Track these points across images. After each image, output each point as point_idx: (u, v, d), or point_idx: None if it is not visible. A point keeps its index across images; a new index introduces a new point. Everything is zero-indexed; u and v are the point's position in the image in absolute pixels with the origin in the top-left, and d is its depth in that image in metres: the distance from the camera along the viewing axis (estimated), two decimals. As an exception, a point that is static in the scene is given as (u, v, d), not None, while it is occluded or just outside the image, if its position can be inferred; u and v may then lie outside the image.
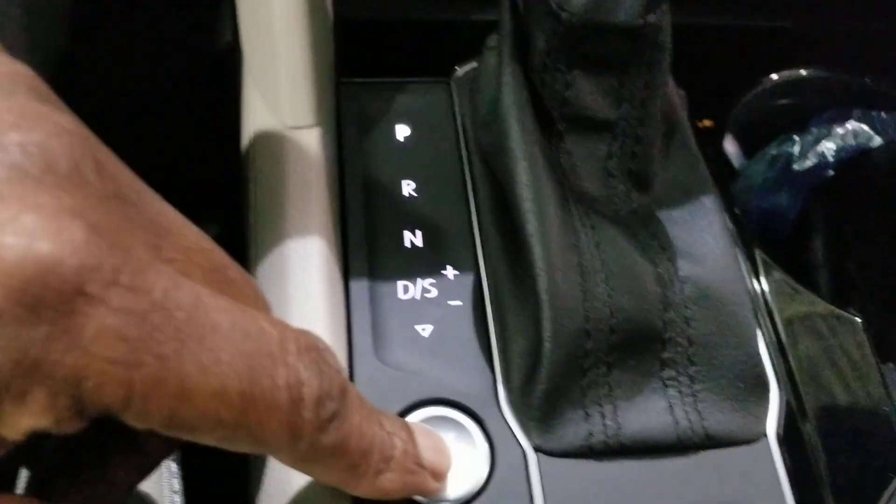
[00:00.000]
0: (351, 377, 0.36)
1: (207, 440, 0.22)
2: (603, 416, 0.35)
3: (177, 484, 0.40)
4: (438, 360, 0.37)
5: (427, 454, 0.30)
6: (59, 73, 0.45)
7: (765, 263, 0.41)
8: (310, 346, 0.24)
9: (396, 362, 0.37)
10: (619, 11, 0.33)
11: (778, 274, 0.41)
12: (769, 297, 0.40)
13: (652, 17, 0.34)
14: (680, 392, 0.35)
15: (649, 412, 0.35)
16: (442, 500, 0.33)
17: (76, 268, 0.18)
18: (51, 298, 0.18)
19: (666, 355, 0.35)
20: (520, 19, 0.38)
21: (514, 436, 0.35)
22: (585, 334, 0.34)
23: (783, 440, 0.36)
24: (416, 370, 0.36)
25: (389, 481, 0.28)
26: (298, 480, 0.33)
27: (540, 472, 0.34)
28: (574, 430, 0.34)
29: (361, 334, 0.37)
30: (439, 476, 0.31)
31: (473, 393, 0.36)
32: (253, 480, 0.35)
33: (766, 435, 0.36)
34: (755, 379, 0.36)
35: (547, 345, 0.34)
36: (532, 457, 0.35)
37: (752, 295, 0.40)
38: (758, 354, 0.36)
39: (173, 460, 0.40)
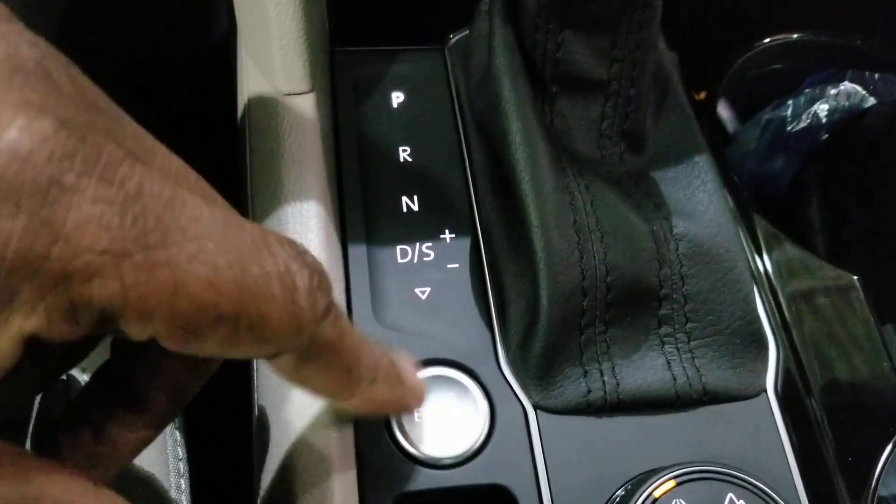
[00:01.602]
0: None
1: (213, 346, 0.22)
2: (601, 373, 0.35)
3: (181, 452, 0.40)
4: (437, 321, 0.37)
5: (407, 374, 0.30)
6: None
7: (761, 225, 0.41)
8: (291, 240, 0.24)
9: (396, 324, 0.37)
10: None
11: (775, 234, 0.41)
12: (766, 258, 0.40)
13: None
14: (677, 348, 0.35)
15: (647, 369, 0.35)
16: (444, 458, 0.34)
17: (47, 156, 0.18)
18: (25, 188, 0.18)
19: (662, 312, 0.35)
20: None
21: (514, 393, 0.35)
22: (582, 292, 0.34)
23: (781, 395, 0.36)
24: (416, 331, 0.37)
25: (381, 392, 0.28)
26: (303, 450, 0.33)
27: (539, 429, 0.34)
28: (573, 387, 0.35)
29: (360, 297, 0.37)
30: (418, 395, 0.31)
31: (473, 352, 0.36)
32: (257, 464, 0.35)
33: (765, 390, 0.36)
34: (752, 335, 0.36)
35: (544, 302, 0.34)
36: (532, 414, 0.35)
37: (749, 254, 0.40)
38: (754, 310, 0.36)
39: (177, 428, 0.41)
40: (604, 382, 0.35)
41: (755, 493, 0.31)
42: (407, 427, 0.34)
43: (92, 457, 0.27)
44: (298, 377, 0.26)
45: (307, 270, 0.23)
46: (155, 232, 0.20)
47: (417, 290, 0.38)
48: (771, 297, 0.39)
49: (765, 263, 0.40)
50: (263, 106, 0.41)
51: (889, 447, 0.36)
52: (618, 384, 0.35)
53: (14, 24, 0.21)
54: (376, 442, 0.34)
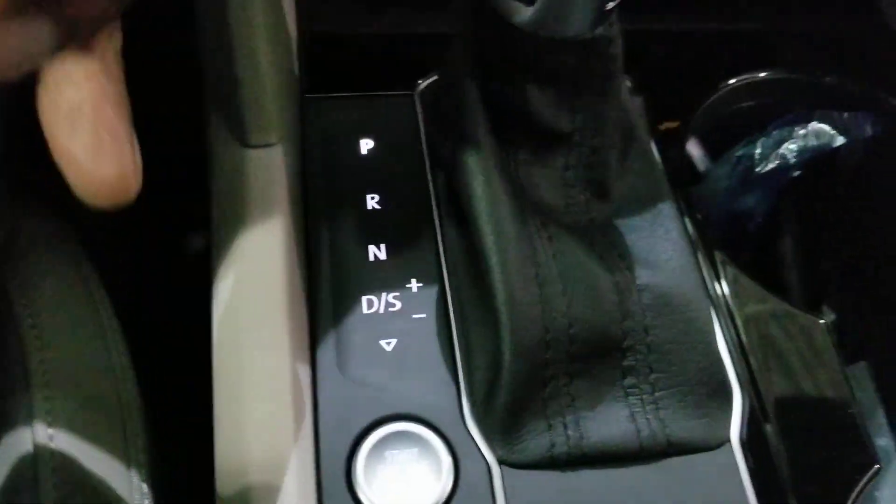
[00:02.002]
0: (315, 394, 0.36)
1: None
2: (565, 426, 0.35)
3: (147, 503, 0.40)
4: (402, 374, 0.37)
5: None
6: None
7: (725, 267, 0.41)
8: None
9: (360, 378, 0.37)
10: (568, 26, 0.33)
11: (739, 277, 0.41)
12: (730, 301, 0.40)
13: (601, 31, 0.34)
14: (641, 400, 0.35)
15: (611, 421, 0.35)
16: (407, 515, 0.33)
17: None
18: None
19: (626, 364, 0.35)
20: (475, 34, 0.38)
21: (478, 449, 0.35)
22: (545, 345, 0.34)
23: (747, 445, 0.36)
24: (380, 385, 0.37)
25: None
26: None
27: (504, 484, 0.34)
28: (537, 441, 0.35)
29: (325, 350, 0.37)
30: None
31: (437, 407, 0.36)
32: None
33: (729, 440, 0.36)
34: (717, 384, 0.36)
35: (507, 357, 0.34)
36: (496, 469, 0.35)
37: (714, 299, 0.40)
38: (719, 360, 0.36)
39: (143, 481, 0.40)
40: (568, 436, 0.35)
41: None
42: (369, 483, 0.34)
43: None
44: None
45: None
46: None
47: (383, 342, 0.38)
48: (735, 343, 0.39)
49: (728, 306, 0.40)
50: (229, 158, 0.41)
51: (854, 495, 0.36)
52: (581, 437, 0.35)
53: None
54: (337, 497, 0.34)
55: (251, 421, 0.34)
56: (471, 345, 0.37)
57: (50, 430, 0.39)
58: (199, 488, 0.43)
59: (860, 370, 0.45)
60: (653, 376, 0.36)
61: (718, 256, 0.41)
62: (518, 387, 0.34)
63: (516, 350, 0.34)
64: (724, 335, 0.39)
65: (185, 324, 0.51)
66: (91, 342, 0.43)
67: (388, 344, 0.38)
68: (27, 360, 0.41)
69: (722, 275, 0.41)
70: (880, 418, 0.43)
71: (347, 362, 0.37)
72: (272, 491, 0.33)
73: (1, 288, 0.43)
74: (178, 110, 0.55)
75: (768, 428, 0.37)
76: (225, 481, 0.34)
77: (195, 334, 0.46)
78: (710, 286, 0.40)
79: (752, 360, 0.38)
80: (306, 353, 0.37)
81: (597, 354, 0.35)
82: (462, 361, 0.37)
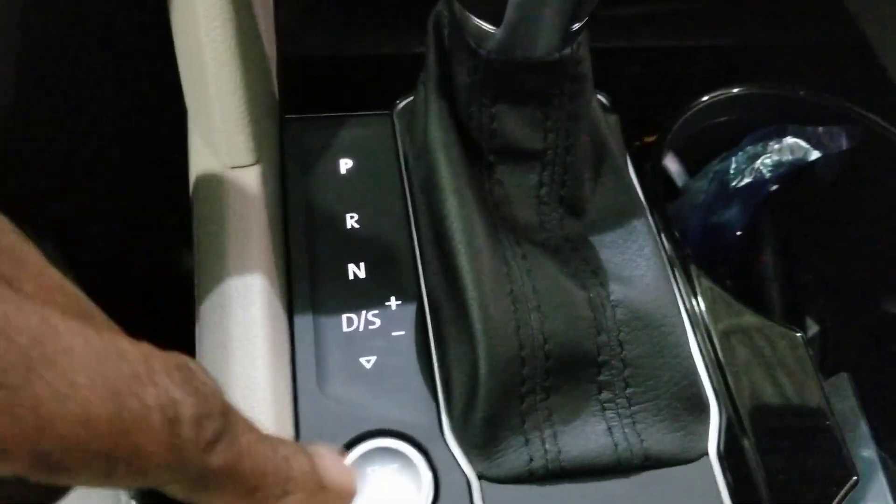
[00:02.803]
0: (295, 412, 0.37)
1: (87, 479, 0.20)
2: (543, 441, 0.35)
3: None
4: (382, 391, 0.37)
5: (330, 474, 0.29)
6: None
7: (701, 281, 0.41)
8: (180, 364, 0.22)
9: (340, 395, 0.37)
10: (534, 47, 0.34)
11: (715, 291, 0.41)
12: (705, 315, 0.40)
13: (568, 51, 0.35)
14: (618, 414, 0.36)
15: (588, 435, 0.35)
16: (386, 532, 0.34)
17: None
18: None
19: (602, 378, 0.36)
20: (444, 55, 0.38)
21: (458, 464, 0.35)
22: (521, 361, 0.35)
23: (724, 458, 0.37)
24: (360, 402, 0.37)
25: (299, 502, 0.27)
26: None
27: (483, 498, 0.35)
28: (515, 456, 0.35)
29: (305, 368, 0.37)
30: (347, 496, 0.31)
31: (417, 423, 0.36)
32: None
33: (707, 453, 0.36)
34: (692, 398, 0.36)
35: (483, 372, 0.34)
36: (475, 484, 0.35)
37: (689, 313, 0.40)
38: (694, 373, 0.37)
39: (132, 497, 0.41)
40: (545, 450, 0.35)
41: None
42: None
43: None
44: (197, 501, 0.24)
45: (193, 398, 0.22)
46: (19, 369, 0.18)
47: (362, 360, 0.38)
48: (712, 357, 0.39)
49: (704, 320, 0.40)
50: (209, 179, 0.41)
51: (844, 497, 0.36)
52: (559, 451, 0.35)
53: None
54: None
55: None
56: (449, 361, 0.37)
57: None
58: None
59: (841, 381, 0.45)
60: (629, 390, 0.36)
61: (694, 271, 0.41)
62: (495, 402, 0.35)
63: (492, 366, 0.34)
64: (701, 349, 0.39)
65: (167, 341, 0.52)
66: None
67: (368, 361, 0.38)
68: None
69: (698, 289, 0.41)
70: (862, 429, 0.43)
71: (327, 379, 0.37)
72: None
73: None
74: (163, 132, 0.56)
75: (745, 441, 0.37)
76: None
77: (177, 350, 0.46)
78: (685, 301, 0.41)
79: (728, 374, 0.38)
80: (287, 371, 0.37)
81: (572, 369, 0.35)
82: (440, 377, 0.37)
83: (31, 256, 0.22)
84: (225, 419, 0.23)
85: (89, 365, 0.20)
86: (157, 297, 0.59)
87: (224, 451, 0.23)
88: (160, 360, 0.22)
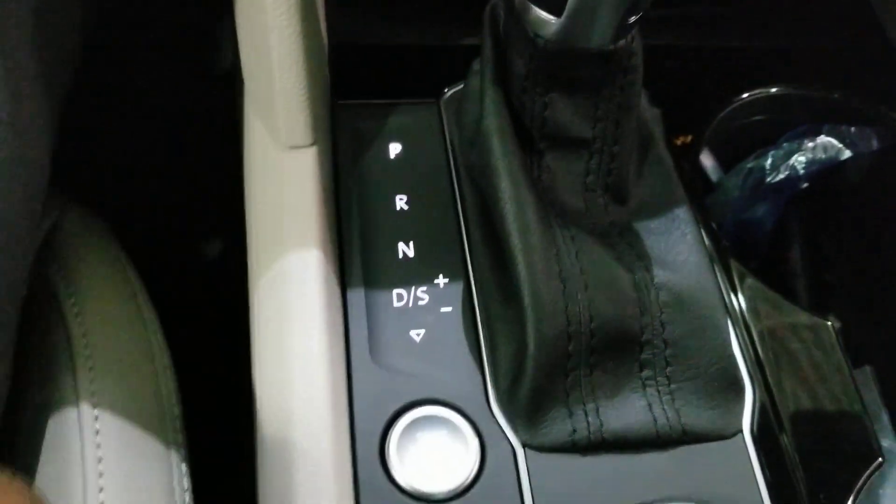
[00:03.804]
0: (349, 381, 0.38)
1: None
2: (586, 414, 0.37)
3: (186, 482, 0.42)
4: (431, 362, 0.39)
5: None
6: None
7: (739, 271, 0.43)
8: None
9: (392, 365, 0.39)
10: (591, 37, 0.36)
11: (752, 281, 0.43)
12: (743, 303, 0.42)
13: (623, 43, 0.36)
14: (658, 391, 0.37)
15: (629, 410, 0.37)
16: (437, 493, 0.35)
17: None
18: None
19: (644, 357, 0.37)
20: (500, 45, 0.40)
21: (504, 433, 0.37)
22: (567, 338, 0.36)
23: (757, 436, 0.38)
24: (411, 373, 0.39)
25: None
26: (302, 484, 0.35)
27: (528, 466, 0.36)
28: (559, 427, 0.37)
29: (358, 340, 0.39)
30: None
31: (464, 393, 0.38)
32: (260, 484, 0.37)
33: (741, 431, 0.38)
34: (729, 378, 0.38)
35: (531, 348, 0.36)
36: (520, 452, 0.37)
37: (727, 301, 0.42)
38: (731, 355, 0.38)
39: (182, 461, 0.42)
40: (588, 423, 0.37)
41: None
42: (401, 462, 0.36)
43: None
44: None
45: None
46: None
47: (412, 333, 0.40)
48: (747, 342, 0.41)
49: (741, 308, 0.42)
50: (266, 158, 0.43)
51: (859, 485, 0.37)
52: (601, 424, 0.37)
53: None
54: (372, 476, 0.36)
55: (291, 406, 0.36)
56: (495, 337, 0.39)
57: (95, 411, 0.41)
58: (233, 470, 0.45)
59: (864, 375, 0.47)
60: (669, 369, 0.37)
61: (733, 262, 0.43)
62: (541, 376, 0.36)
63: (540, 342, 0.36)
64: (737, 333, 0.41)
65: (221, 316, 0.53)
66: (132, 330, 0.46)
67: (418, 335, 0.40)
68: (72, 345, 0.43)
69: (735, 278, 0.43)
70: (884, 420, 0.45)
71: (379, 352, 0.39)
72: (311, 471, 0.35)
73: (43, 274, 0.45)
74: (213, 120, 0.58)
75: (778, 421, 0.38)
76: (266, 461, 0.36)
77: (230, 325, 0.48)
78: (724, 289, 0.42)
79: (762, 357, 0.40)
80: (341, 343, 0.39)
81: (616, 347, 0.37)
82: (487, 352, 0.39)
83: None
84: None
85: None
86: (209, 276, 0.61)
87: None
88: None
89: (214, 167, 0.57)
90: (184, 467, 0.41)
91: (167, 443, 0.43)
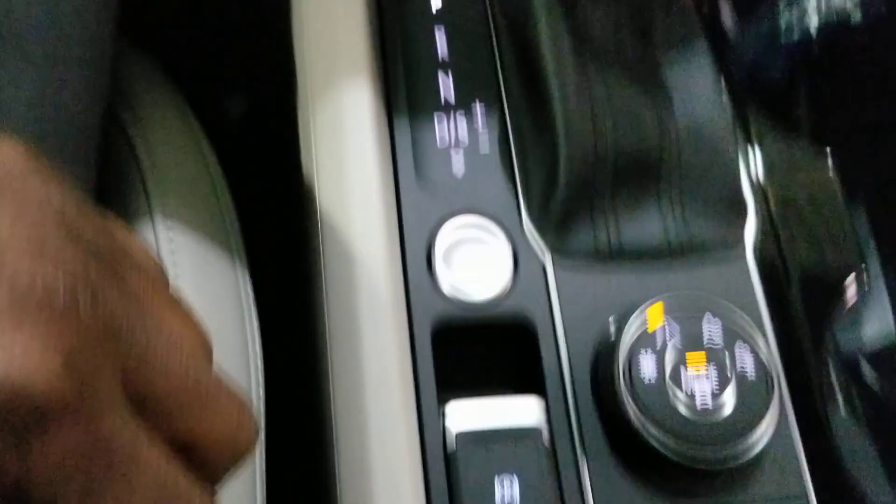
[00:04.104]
0: (397, 194, 0.43)
1: None
2: (607, 227, 0.42)
3: (251, 298, 0.47)
4: (470, 180, 0.44)
5: None
6: None
7: (750, 109, 0.47)
8: None
9: (434, 181, 0.44)
10: None
11: (760, 117, 0.47)
12: (753, 136, 0.47)
13: None
14: (672, 209, 0.42)
15: (646, 224, 0.42)
16: (475, 296, 0.41)
17: (43, 399, 0.21)
18: (15, 419, 0.21)
19: (661, 178, 0.42)
20: None
21: (535, 242, 0.42)
22: (594, 159, 0.41)
23: (757, 251, 0.43)
24: (451, 188, 0.43)
25: None
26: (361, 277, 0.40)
27: (555, 271, 0.42)
28: (583, 238, 0.42)
29: (404, 158, 0.44)
30: None
31: (500, 207, 0.43)
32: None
33: (743, 243, 0.43)
34: (735, 199, 0.43)
35: (562, 169, 0.41)
36: (549, 259, 0.42)
37: (737, 135, 0.47)
38: (738, 180, 0.43)
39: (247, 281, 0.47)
40: (609, 234, 0.42)
41: (729, 321, 0.39)
42: (447, 264, 0.41)
43: None
44: None
45: None
46: (101, 481, 0.22)
47: (453, 157, 0.45)
48: (752, 170, 0.46)
49: (752, 141, 0.47)
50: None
51: (847, 295, 0.43)
52: (620, 235, 0.42)
53: (66, 244, 0.23)
54: (421, 278, 0.41)
55: (350, 216, 0.42)
56: (528, 159, 0.44)
57: (169, 233, 0.46)
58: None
59: (857, 208, 0.51)
60: (682, 190, 0.42)
61: (744, 99, 0.47)
62: (570, 194, 0.41)
63: (570, 163, 0.41)
64: (743, 162, 0.46)
65: (272, 155, 0.58)
66: (196, 164, 0.50)
67: (458, 159, 0.44)
68: (144, 176, 0.48)
69: (748, 113, 0.47)
70: (871, 247, 0.50)
71: (423, 168, 0.44)
72: (369, 271, 0.40)
73: (113, 111, 0.50)
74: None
75: (775, 235, 0.44)
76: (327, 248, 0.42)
77: (283, 164, 0.53)
78: (736, 122, 0.47)
79: (765, 184, 0.45)
80: (390, 164, 0.44)
81: (636, 171, 0.42)
82: (520, 172, 0.44)
83: (155, 350, 0.26)
84: None
85: (147, 486, 0.24)
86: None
87: None
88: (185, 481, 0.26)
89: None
90: (249, 287, 0.46)
91: (233, 262, 0.48)
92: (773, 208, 0.45)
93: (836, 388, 0.42)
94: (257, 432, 0.29)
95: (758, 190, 0.45)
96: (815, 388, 0.42)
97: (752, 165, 0.46)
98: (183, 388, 0.26)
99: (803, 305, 0.43)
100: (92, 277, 0.24)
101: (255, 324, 0.47)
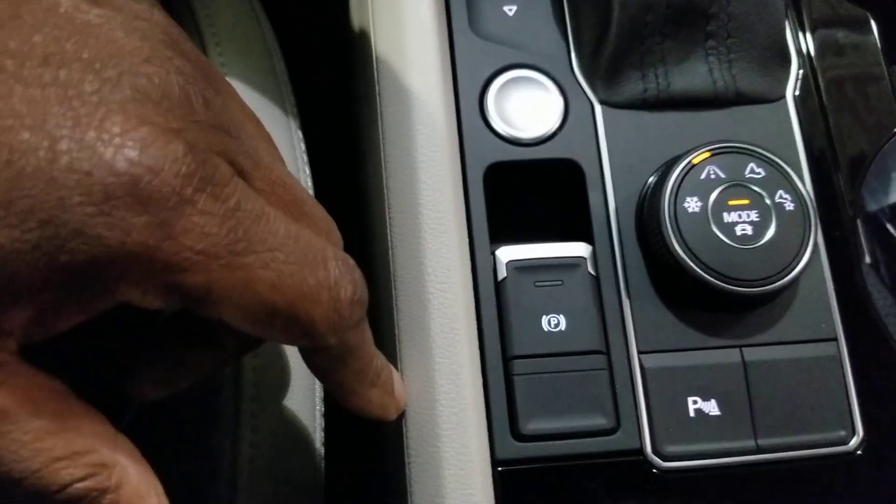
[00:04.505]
0: (451, 48, 0.44)
1: (269, 331, 0.27)
2: (656, 76, 0.43)
3: (302, 146, 0.49)
4: (522, 33, 0.45)
5: (398, 385, 0.37)
6: None
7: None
8: (347, 261, 0.29)
9: (487, 34, 0.45)
10: None
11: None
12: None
13: None
14: (718, 59, 0.44)
15: (693, 73, 0.44)
16: (527, 138, 0.43)
17: (174, 174, 0.23)
18: (153, 195, 0.23)
19: (709, 29, 0.43)
20: None
21: (584, 91, 0.44)
22: (647, 8, 0.42)
23: (798, 102, 0.45)
24: (504, 41, 0.45)
25: (376, 396, 0.34)
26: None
27: (603, 119, 0.43)
28: (632, 86, 0.43)
29: (459, 12, 0.45)
30: (398, 408, 0.37)
31: (551, 58, 0.44)
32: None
33: (784, 96, 0.45)
34: (780, 50, 0.44)
35: (615, 16, 0.42)
36: (598, 107, 0.44)
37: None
38: (784, 31, 0.44)
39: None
40: (658, 83, 0.43)
41: (770, 165, 0.41)
42: (499, 112, 0.43)
43: (167, 373, 0.33)
44: (322, 369, 0.31)
45: (352, 287, 0.29)
46: (241, 242, 0.25)
47: (505, 8, 0.46)
48: (797, 23, 0.47)
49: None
50: None
51: (877, 149, 0.45)
52: (669, 84, 0.43)
53: (174, 50, 0.26)
54: (474, 126, 0.43)
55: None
56: (580, 10, 0.45)
57: (222, 71, 0.47)
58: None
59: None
60: (730, 40, 0.44)
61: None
62: (621, 42, 0.42)
63: (623, 10, 0.42)
64: (789, 16, 0.47)
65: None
66: (248, 21, 0.51)
67: (510, 10, 0.46)
68: (200, 27, 0.49)
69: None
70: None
71: (477, 23, 0.45)
72: (426, 115, 0.42)
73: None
74: None
75: (816, 88, 0.45)
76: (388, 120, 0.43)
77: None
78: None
79: (809, 37, 0.46)
80: (443, 12, 0.45)
81: (686, 19, 0.43)
82: (571, 23, 0.45)
83: (263, 153, 0.28)
84: (365, 311, 0.30)
85: (287, 246, 0.27)
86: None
87: (359, 333, 0.31)
88: (334, 255, 0.29)
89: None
90: (300, 133, 0.48)
91: (285, 109, 0.50)
92: (815, 62, 0.46)
93: (864, 239, 0.44)
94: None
95: (801, 41, 0.46)
96: (847, 237, 0.44)
97: (796, 17, 0.47)
98: (286, 191, 0.29)
99: (840, 152, 0.44)
100: (200, 83, 0.26)
101: (308, 171, 0.49)
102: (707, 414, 0.39)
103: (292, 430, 0.42)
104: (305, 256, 0.27)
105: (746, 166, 0.40)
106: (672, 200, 0.39)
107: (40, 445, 0.24)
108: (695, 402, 0.39)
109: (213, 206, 0.24)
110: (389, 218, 0.42)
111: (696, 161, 0.40)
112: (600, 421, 0.39)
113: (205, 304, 0.25)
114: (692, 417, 0.39)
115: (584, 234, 0.42)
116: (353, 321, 0.29)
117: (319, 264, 0.28)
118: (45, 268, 0.23)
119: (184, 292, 0.25)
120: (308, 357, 0.31)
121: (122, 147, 0.23)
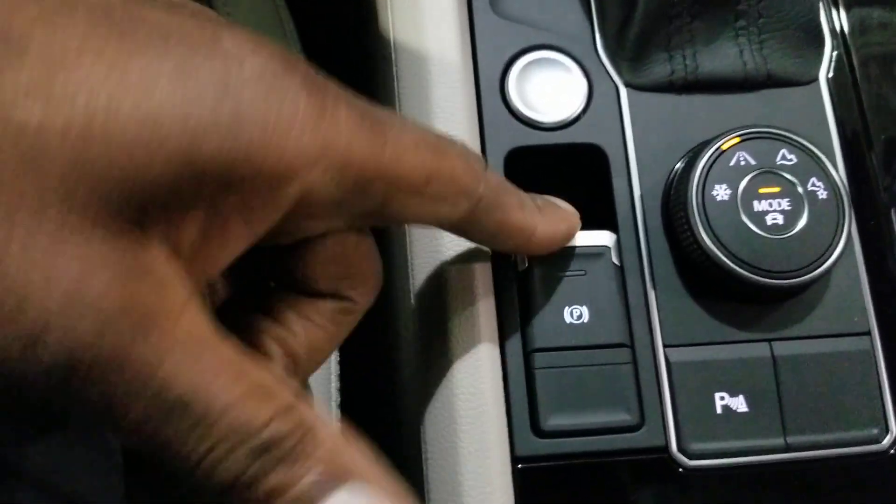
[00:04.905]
0: (471, 29, 0.43)
1: (428, 203, 0.29)
2: (684, 57, 0.42)
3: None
4: (546, 13, 0.43)
5: (560, 203, 0.38)
6: None
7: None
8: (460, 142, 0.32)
9: (511, 15, 0.43)
10: None
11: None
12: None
13: None
14: (749, 40, 0.42)
15: (722, 55, 0.42)
16: (549, 121, 0.41)
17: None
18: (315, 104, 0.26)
19: (740, 8, 0.42)
20: None
21: (609, 74, 0.42)
22: None
23: (831, 85, 0.43)
24: (528, 21, 0.43)
25: (549, 224, 0.36)
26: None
27: (629, 101, 0.42)
28: (659, 68, 0.42)
29: None
30: (577, 220, 0.38)
31: (575, 40, 0.43)
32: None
33: (817, 79, 0.43)
34: (813, 32, 0.42)
35: None
36: (623, 90, 0.42)
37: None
38: (817, 10, 0.42)
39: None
40: (685, 65, 0.42)
41: (802, 151, 0.39)
42: (520, 95, 0.41)
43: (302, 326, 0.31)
44: (493, 224, 0.33)
45: (467, 150, 0.31)
46: (379, 125, 0.28)
47: None
48: (831, 4, 0.45)
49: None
50: None
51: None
52: (697, 66, 0.42)
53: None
54: (494, 107, 0.41)
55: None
56: (605, -10, 0.43)
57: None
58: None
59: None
60: (761, 21, 0.42)
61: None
62: (648, 22, 0.41)
63: (649, -11, 0.40)
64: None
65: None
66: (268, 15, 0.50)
67: (532, -11, 0.44)
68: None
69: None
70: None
71: (498, 2, 0.44)
72: (444, 97, 0.41)
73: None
74: None
75: (851, 72, 0.43)
76: (406, 100, 0.42)
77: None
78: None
79: (843, 19, 0.44)
80: None
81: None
82: (596, 3, 0.43)
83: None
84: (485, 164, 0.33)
85: (410, 125, 0.30)
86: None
87: (493, 174, 0.33)
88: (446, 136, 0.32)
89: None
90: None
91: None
92: (850, 42, 0.44)
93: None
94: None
95: (835, 22, 0.45)
96: (881, 226, 0.42)
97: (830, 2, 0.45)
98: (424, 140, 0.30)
99: (875, 137, 0.43)
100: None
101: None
102: (735, 410, 0.38)
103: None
104: (429, 133, 0.31)
105: (778, 152, 0.39)
106: (700, 188, 0.38)
107: (238, 369, 0.22)
108: (722, 398, 0.38)
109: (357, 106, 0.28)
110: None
111: (725, 147, 0.39)
112: (624, 417, 0.37)
113: (374, 184, 0.27)
114: (719, 414, 0.38)
115: (609, 223, 0.41)
116: (482, 172, 0.31)
117: (442, 138, 0.31)
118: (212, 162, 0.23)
119: (363, 177, 0.27)
120: (472, 225, 0.32)
121: None
